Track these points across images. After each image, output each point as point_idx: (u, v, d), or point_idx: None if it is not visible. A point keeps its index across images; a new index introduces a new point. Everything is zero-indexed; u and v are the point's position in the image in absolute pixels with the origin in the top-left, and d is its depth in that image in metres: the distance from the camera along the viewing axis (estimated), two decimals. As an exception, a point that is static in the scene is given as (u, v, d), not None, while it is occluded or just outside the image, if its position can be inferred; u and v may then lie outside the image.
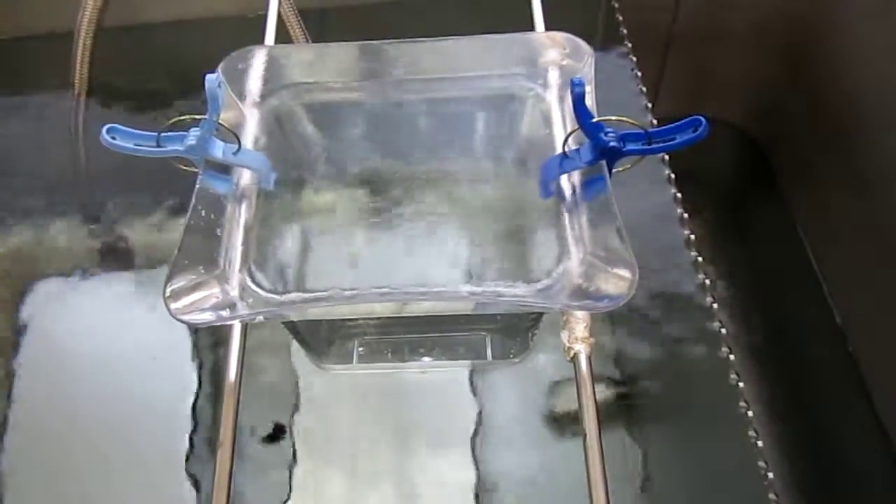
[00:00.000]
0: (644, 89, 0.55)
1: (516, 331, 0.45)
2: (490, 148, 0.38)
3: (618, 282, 0.29)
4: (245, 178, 0.35)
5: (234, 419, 0.31)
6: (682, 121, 0.30)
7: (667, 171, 0.51)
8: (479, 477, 0.42)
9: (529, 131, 0.37)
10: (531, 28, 0.41)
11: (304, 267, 0.34)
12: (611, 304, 0.28)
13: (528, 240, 0.35)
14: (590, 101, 0.33)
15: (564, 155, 0.32)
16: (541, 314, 0.40)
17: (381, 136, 0.38)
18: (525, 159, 0.37)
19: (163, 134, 0.32)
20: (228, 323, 0.32)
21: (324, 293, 0.31)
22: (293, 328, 0.42)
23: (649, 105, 0.53)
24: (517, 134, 0.38)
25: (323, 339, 0.45)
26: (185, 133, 0.32)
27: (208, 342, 0.47)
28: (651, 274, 0.47)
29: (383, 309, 0.32)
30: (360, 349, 0.45)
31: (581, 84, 0.29)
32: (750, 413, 0.42)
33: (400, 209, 0.36)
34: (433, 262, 0.34)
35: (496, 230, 0.35)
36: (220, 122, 0.32)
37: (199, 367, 0.46)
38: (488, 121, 0.38)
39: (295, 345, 0.46)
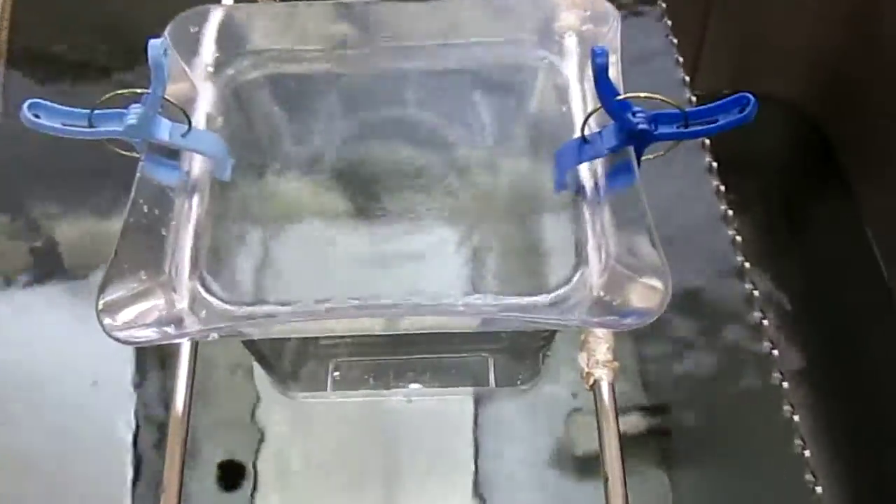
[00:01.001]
0: (681, 59, 0.55)
1: (525, 352, 0.45)
2: (494, 131, 0.38)
3: (647, 293, 0.29)
4: (196, 165, 0.35)
5: (180, 458, 0.31)
6: (727, 98, 0.30)
7: (707, 159, 0.51)
8: (479, 530, 0.42)
9: (541, 111, 0.37)
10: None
11: (268, 274, 0.34)
12: (638, 321, 0.28)
13: (538, 242, 0.35)
14: (615, 74, 0.33)
15: (584, 140, 0.32)
16: (554, 332, 0.40)
17: (363, 117, 0.38)
18: (536, 145, 0.37)
19: (97, 111, 0.32)
20: (176, 342, 0.32)
21: (292, 306, 0.31)
22: (254, 348, 0.42)
23: (687, 79, 0.54)
24: (526, 114, 0.38)
25: (291, 361, 0.45)
26: (123, 110, 0.32)
27: (152, 364, 0.47)
28: (688, 283, 0.47)
29: (364, 325, 0.33)
30: (336, 373, 0.45)
31: (604, 54, 0.29)
32: (807, 452, 0.42)
33: (385, 205, 0.36)
34: (425, 269, 0.34)
35: (501, 231, 0.35)
36: (167, 97, 0.32)
37: (140, 395, 0.46)
38: (492, 98, 0.38)
39: (257, 368, 0.46)
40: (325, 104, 0.38)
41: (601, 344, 0.32)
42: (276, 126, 0.38)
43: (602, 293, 0.30)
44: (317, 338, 0.43)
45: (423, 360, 0.45)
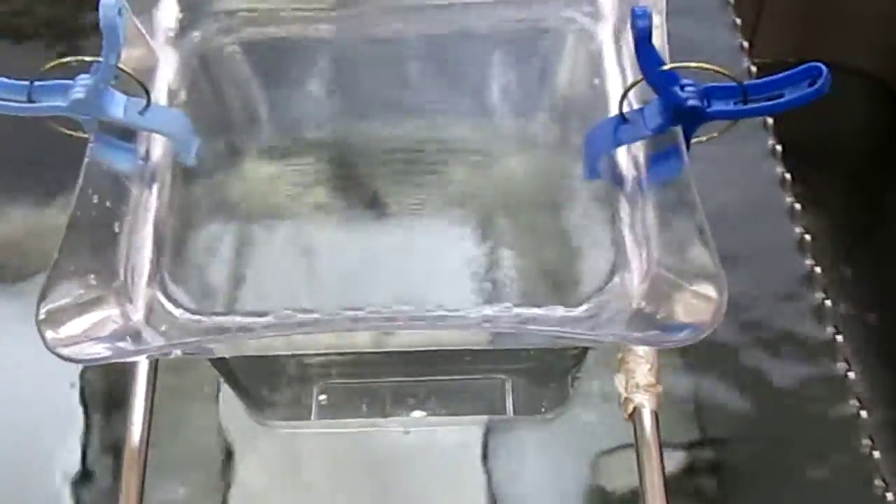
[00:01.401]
0: (738, 22, 0.55)
1: (550, 374, 0.45)
2: (512, 108, 0.38)
3: (698, 304, 0.29)
4: (156, 148, 0.35)
5: (137, 500, 0.31)
6: (794, 69, 0.30)
7: (771, 142, 0.51)
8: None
9: (571, 83, 0.37)
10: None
11: (242, 279, 0.34)
12: (687, 337, 0.28)
13: (566, 242, 0.35)
14: (659, 40, 0.33)
15: (622, 118, 0.32)
16: (585, 350, 0.40)
17: (356, 91, 0.38)
18: (563, 125, 0.37)
19: (37, 83, 0.32)
20: (131, 360, 0.32)
21: (271, 317, 0.31)
22: (225, 368, 0.42)
23: (745, 45, 0.54)
24: (552, 87, 0.38)
25: (268, 383, 0.45)
26: (69, 82, 0.32)
27: (103, 386, 0.47)
28: (745, 291, 0.47)
29: (357, 341, 0.32)
30: (323, 398, 0.45)
31: (647, 15, 0.30)
32: (889, 495, 0.42)
33: (382, 196, 0.36)
34: (429, 273, 0.35)
35: (520, 228, 0.35)
36: (121, 66, 0.32)
37: (88, 424, 0.46)
38: (510, 69, 0.38)
39: (227, 392, 0.46)
40: (310, 76, 0.38)
41: (642, 364, 0.32)
42: (251, 102, 0.38)
43: (643, 303, 0.30)
44: (300, 356, 0.43)
45: (427, 384, 0.45)
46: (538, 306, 0.31)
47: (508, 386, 0.44)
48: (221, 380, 0.45)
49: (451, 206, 0.36)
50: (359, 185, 0.37)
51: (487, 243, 0.35)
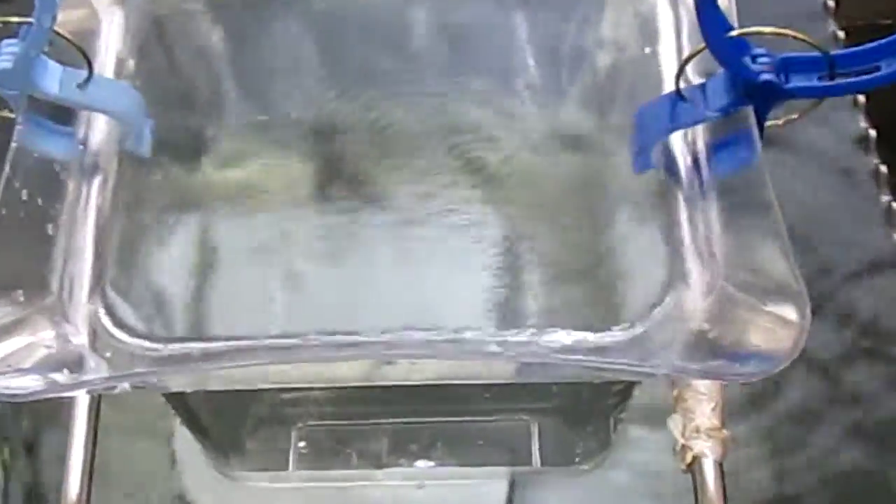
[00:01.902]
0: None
1: (586, 415, 0.45)
2: (541, 81, 0.38)
3: (774, 327, 0.29)
4: (99, 131, 0.35)
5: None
6: (890, 36, 0.30)
7: (863, 125, 0.51)
8: None
9: (614, 52, 0.37)
10: None
11: (205, 294, 0.35)
12: (760, 369, 0.28)
13: (608, 251, 0.35)
14: (726, 1, 0.33)
15: (678, 96, 0.32)
16: (630, 385, 0.40)
17: (346, 61, 0.38)
18: (605, 103, 0.37)
19: (-48, 51, 0.32)
20: (69, 395, 0.32)
21: (240, 342, 0.31)
22: (183, 405, 0.42)
23: (831, 4, 0.53)
24: (591, 57, 0.38)
25: (236, 425, 0.45)
26: (-9, 49, 0.32)
27: (34, 426, 0.47)
28: (834, 310, 0.47)
29: (346, 372, 0.33)
30: (302, 444, 0.45)
31: (710, -32, 0.30)
32: None
33: (377, 192, 0.37)
34: (439, 290, 0.35)
35: (551, 233, 0.36)
36: (57, 29, 0.32)
37: (15, 474, 0.46)
38: (538, 31, 0.38)
39: (185, 435, 0.46)
40: (290, 42, 0.38)
41: (703, 403, 0.32)
42: (216, 74, 0.38)
43: (705, 326, 0.30)
44: (275, 390, 0.43)
45: (434, 426, 0.45)
46: (573, 330, 0.31)
47: (535, 429, 0.44)
48: (178, 419, 0.45)
49: (463, 206, 0.36)
50: (350, 179, 0.37)
51: (509, 252, 0.35)
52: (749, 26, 0.31)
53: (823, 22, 0.53)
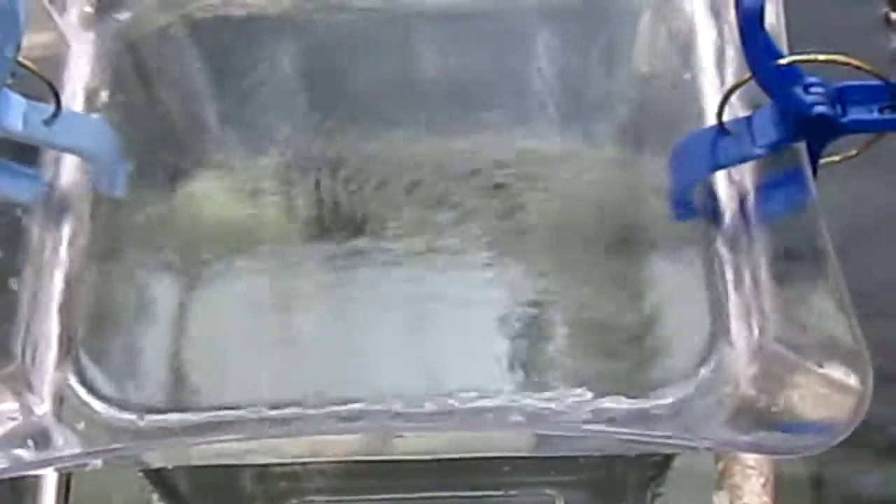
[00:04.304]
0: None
1: (619, 490, 0.44)
2: (566, 113, 0.38)
3: (831, 394, 0.28)
4: (68, 172, 0.35)
5: None
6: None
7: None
8: None
9: (648, 79, 0.37)
10: None
11: (187, 358, 0.34)
12: (815, 442, 0.28)
13: (643, 305, 0.35)
14: (774, 22, 0.33)
15: (722, 130, 0.32)
16: (669, 458, 0.40)
17: (342, 88, 0.38)
18: (638, 137, 0.37)
19: None
20: (34, 473, 0.32)
21: (227, 413, 0.31)
22: (163, 484, 0.42)
23: (894, 16, 0.53)
24: (622, 84, 0.38)
25: None
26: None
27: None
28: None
29: (346, 446, 0.32)
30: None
31: (757, -12, 0.29)
32: None
33: (379, 237, 0.36)
34: (449, 349, 0.35)
35: (578, 283, 0.35)
36: (20, 60, 0.32)
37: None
38: (563, 56, 0.38)
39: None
40: (279, 69, 0.38)
41: (752, 479, 0.32)
42: (198, 106, 0.39)
43: (753, 392, 0.30)
44: (269, 467, 0.42)
45: (447, 502, 0.44)
46: (603, 396, 0.31)
47: (561, 505, 0.45)
48: (155, 495, 0.44)
49: (476, 251, 0.36)
50: (350, 224, 0.37)
51: (532, 308, 0.35)
52: (801, 53, 0.31)
53: (884, 36, 0.53)
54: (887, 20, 0.53)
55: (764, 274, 0.31)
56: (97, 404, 0.31)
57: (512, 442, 0.32)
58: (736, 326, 0.31)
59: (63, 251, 0.34)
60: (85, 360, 0.32)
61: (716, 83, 0.35)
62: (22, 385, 0.31)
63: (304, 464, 0.43)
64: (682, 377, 0.31)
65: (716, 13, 0.36)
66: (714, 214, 0.33)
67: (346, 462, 0.42)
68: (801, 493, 0.44)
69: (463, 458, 0.33)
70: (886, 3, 0.53)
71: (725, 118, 0.32)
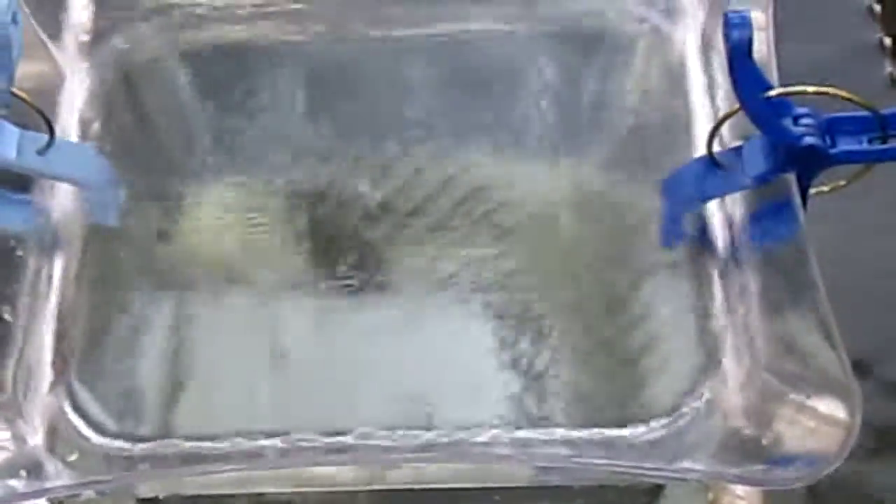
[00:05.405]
0: (876, 9, 0.54)
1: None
2: (558, 141, 0.38)
3: (820, 426, 0.28)
4: (61, 201, 0.35)
5: None
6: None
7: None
8: None
9: (641, 109, 0.38)
10: None
11: (182, 386, 0.34)
12: (804, 473, 0.28)
13: (634, 336, 0.35)
14: (764, 53, 0.33)
15: (712, 161, 0.33)
16: (659, 489, 0.40)
17: (337, 116, 0.38)
18: (630, 167, 0.37)
19: None
20: (24, 503, 0.32)
21: (223, 443, 0.31)
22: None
23: (888, 42, 0.53)
24: (614, 113, 0.38)
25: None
26: (-60, 112, 0.32)
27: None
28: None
29: (343, 477, 0.33)
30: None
31: (746, 23, 0.29)
32: None
33: (374, 268, 0.36)
34: (442, 380, 0.34)
35: (569, 315, 0.35)
36: (14, 90, 0.32)
37: None
38: (557, 86, 0.38)
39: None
40: (275, 97, 0.39)
41: None
42: (193, 135, 0.39)
43: (742, 424, 0.30)
44: (262, 495, 0.43)
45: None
46: (594, 427, 0.31)
47: (552, 536, 0.45)
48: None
49: (469, 283, 0.36)
50: (345, 250, 0.37)
51: (522, 336, 0.35)
52: (790, 85, 0.31)
53: (877, 63, 0.52)
54: (881, 46, 0.53)
55: (754, 305, 0.32)
56: (90, 433, 0.32)
57: (512, 472, 0.33)
58: (726, 358, 0.32)
59: (56, 280, 0.34)
60: (77, 389, 0.33)
61: (707, 113, 0.36)
62: (14, 414, 0.31)
63: (300, 493, 0.43)
64: (671, 408, 0.32)
65: (707, 44, 0.37)
66: (705, 243, 0.34)
67: (340, 492, 0.42)
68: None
69: (454, 489, 0.33)
70: (881, 29, 0.53)
71: (716, 148, 0.32)
